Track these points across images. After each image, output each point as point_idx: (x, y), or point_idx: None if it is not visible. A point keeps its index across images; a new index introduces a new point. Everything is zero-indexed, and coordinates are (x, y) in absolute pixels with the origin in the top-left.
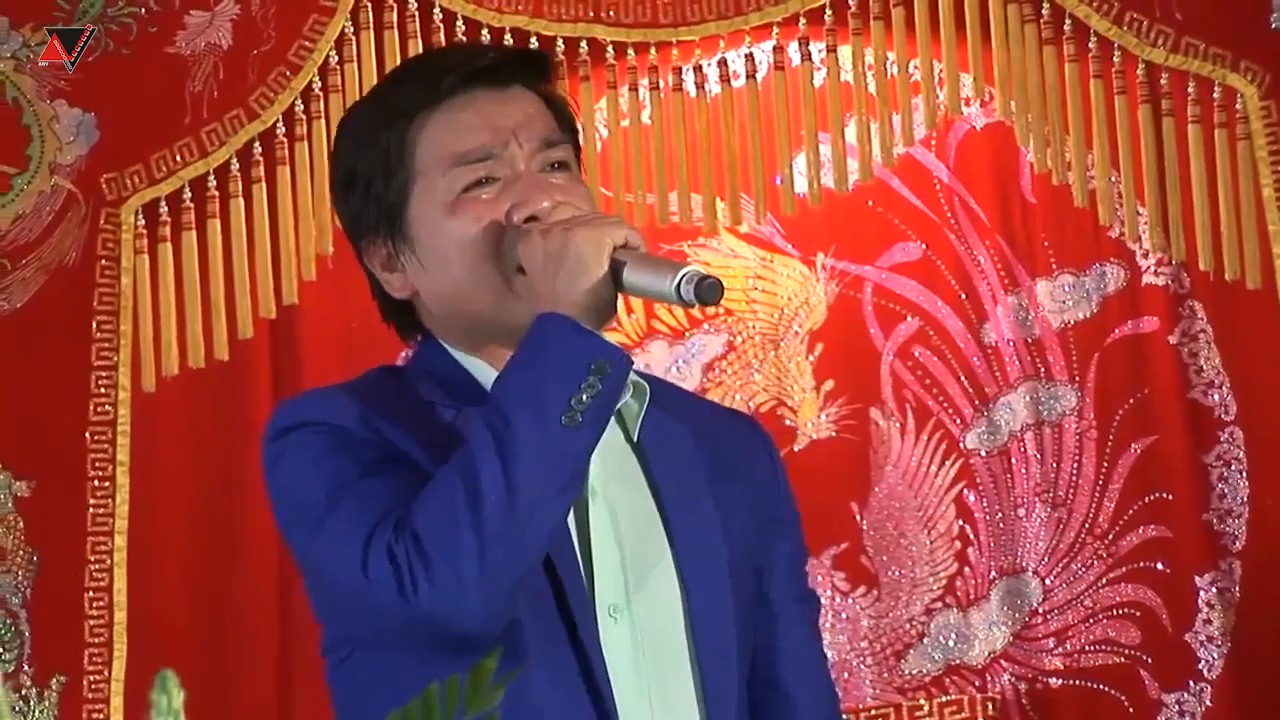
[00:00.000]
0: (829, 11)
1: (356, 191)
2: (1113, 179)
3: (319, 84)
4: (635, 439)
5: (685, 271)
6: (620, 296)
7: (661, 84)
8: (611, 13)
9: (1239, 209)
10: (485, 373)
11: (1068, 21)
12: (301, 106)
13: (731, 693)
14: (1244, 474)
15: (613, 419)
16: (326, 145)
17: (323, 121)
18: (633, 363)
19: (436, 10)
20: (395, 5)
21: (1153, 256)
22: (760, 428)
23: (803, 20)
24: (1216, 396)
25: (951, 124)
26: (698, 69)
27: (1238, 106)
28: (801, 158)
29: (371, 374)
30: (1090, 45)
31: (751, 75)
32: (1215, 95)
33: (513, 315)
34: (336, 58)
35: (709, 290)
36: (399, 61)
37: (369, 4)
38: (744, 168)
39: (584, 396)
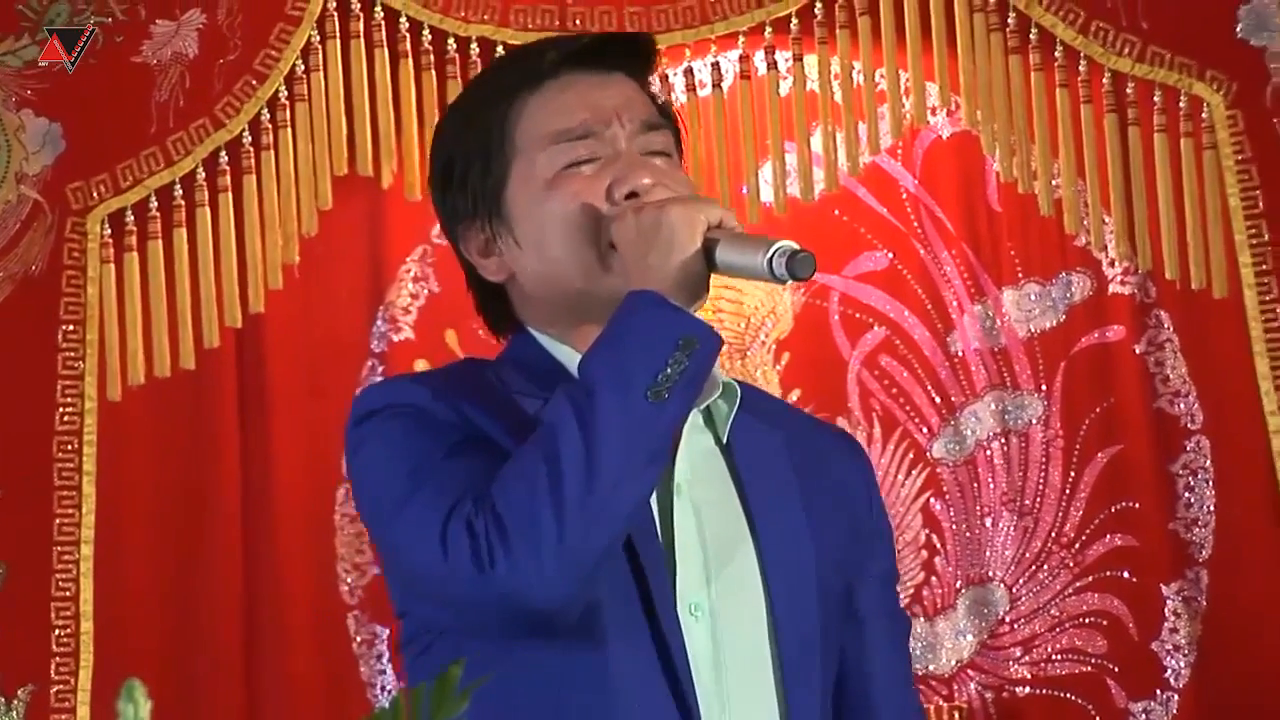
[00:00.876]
0: (795, 20)
1: (454, 179)
2: (1079, 188)
3: (285, 93)
4: (725, 441)
5: (778, 246)
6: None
7: None
8: (577, 21)
9: (1205, 218)
10: (575, 361)
11: (1034, 30)
12: (268, 116)
13: (813, 704)
14: (1210, 483)
15: (702, 421)
16: (293, 154)
17: (289, 131)
18: (723, 341)
19: (403, 20)
20: (361, 15)
21: (1119, 265)
22: (856, 443)
23: (769, 29)
24: (1183, 405)
25: (917, 133)
26: (664, 78)
27: (1204, 115)
28: (768, 167)
29: (457, 363)
30: (1056, 54)
31: (717, 84)
32: (1181, 104)
33: (607, 293)
34: (303, 67)
35: (801, 264)
36: (365, 71)
37: (335, 13)
38: (710, 177)
39: (670, 371)
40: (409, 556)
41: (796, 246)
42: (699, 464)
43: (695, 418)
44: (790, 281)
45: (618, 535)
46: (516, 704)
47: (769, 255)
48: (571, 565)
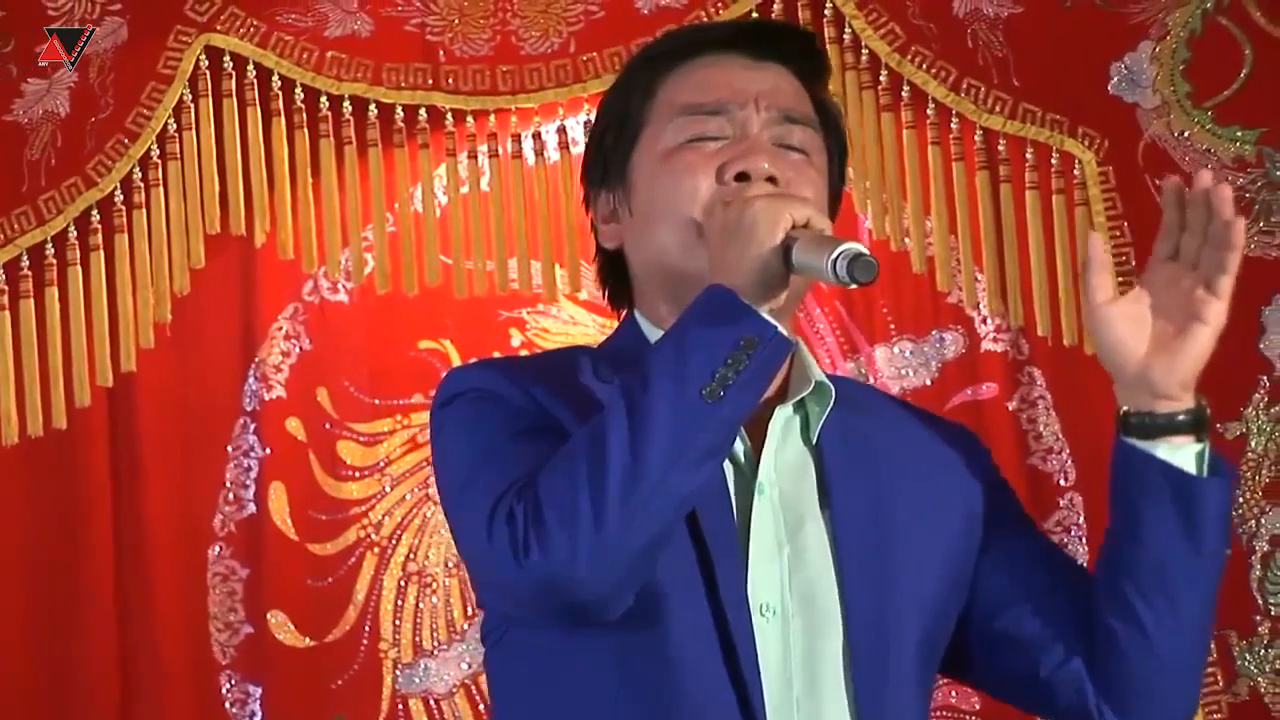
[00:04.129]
0: None
1: (595, 141)
2: (951, 245)
3: (157, 152)
4: (815, 441)
5: (842, 249)
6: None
7: (500, 151)
8: (450, 80)
9: (1077, 275)
10: None
11: (906, 88)
12: (140, 174)
13: (886, 715)
14: (1084, 539)
15: (798, 419)
16: (165, 213)
17: (161, 189)
18: (792, 345)
19: (275, 78)
20: (234, 73)
21: (991, 322)
22: (968, 432)
23: None
24: (1055, 462)
25: None
26: (536, 136)
27: (1075, 172)
28: None
29: (561, 350)
30: (928, 112)
31: None
32: (1053, 161)
33: (700, 281)
34: (175, 126)
35: (862, 268)
36: (237, 129)
37: (207, 72)
38: (583, 234)
39: (729, 370)
40: (464, 541)
41: (860, 249)
42: (785, 464)
43: (788, 415)
44: (852, 285)
45: (661, 532)
46: (579, 695)
47: (834, 256)
48: (609, 559)
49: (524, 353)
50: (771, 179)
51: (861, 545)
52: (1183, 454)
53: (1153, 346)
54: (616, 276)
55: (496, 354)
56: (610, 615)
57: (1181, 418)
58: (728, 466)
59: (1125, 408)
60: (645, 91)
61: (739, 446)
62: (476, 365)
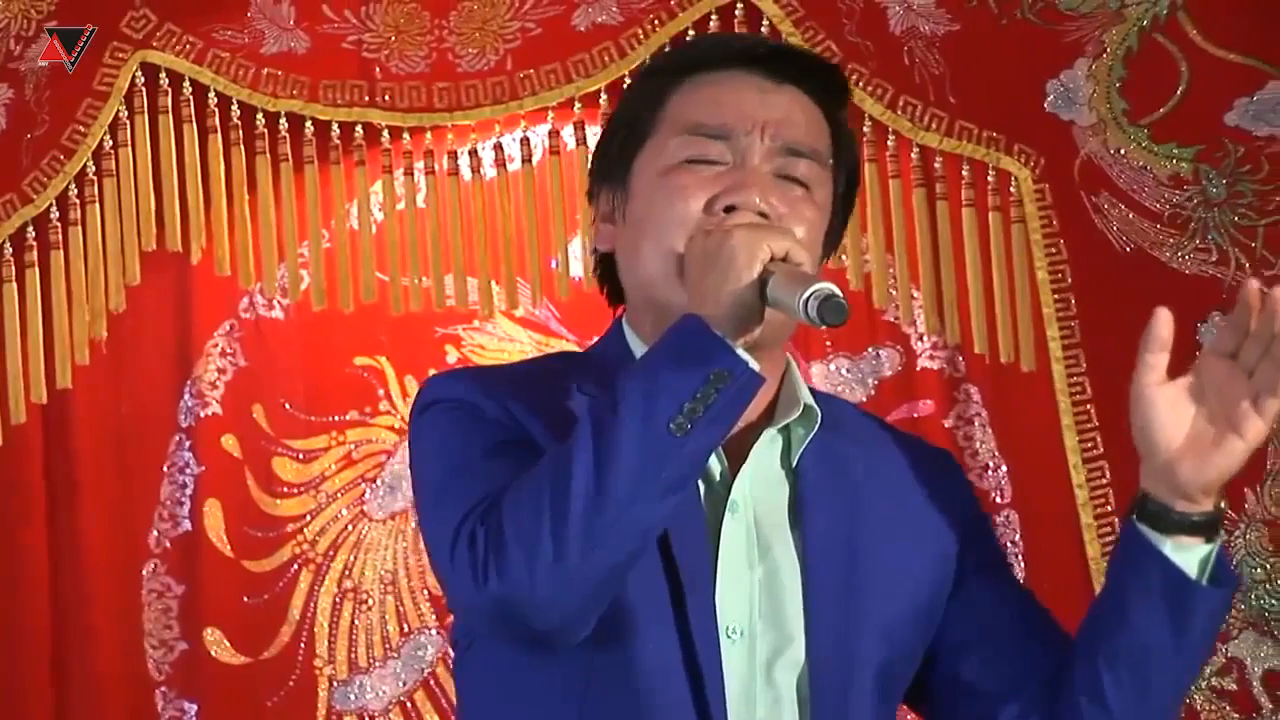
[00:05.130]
0: (604, 96)
1: (603, 143)
2: (888, 263)
3: (93, 169)
4: (794, 465)
5: (814, 289)
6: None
7: (437, 167)
8: (387, 96)
9: (1013, 292)
10: None
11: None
12: (76, 191)
13: None
14: (1020, 557)
15: (780, 440)
16: (101, 230)
17: (97, 207)
18: (762, 380)
19: (212, 95)
20: (169, 90)
21: (928, 340)
22: (950, 458)
23: (578, 104)
24: (991, 480)
25: None
26: (473, 153)
27: (1012, 189)
28: (577, 241)
29: (543, 357)
30: (865, 129)
31: (527, 159)
32: (989, 178)
33: (680, 306)
34: (111, 142)
35: (831, 311)
36: (173, 146)
37: (143, 89)
38: (519, 251)
39: (698, 404)
40: (431, 556)
41: (831, 291)
42: (762, 486)
43: (771, 437)
44: (822, 326)
45: (623, 561)
46: (544, 708)
47: (805, 296)
48: (567, 588)
49: (460, 368)
50: (762, 215)
51: (830, 571)
52: (1188, 555)
53: (1186, 443)
54: (612, 277)
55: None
56: (570, 642)
57: (1196, 519)
58: (701, 485)
59: (1145, 490)
60: (657, 98)
61: (715, 466)
62: (456, 374)
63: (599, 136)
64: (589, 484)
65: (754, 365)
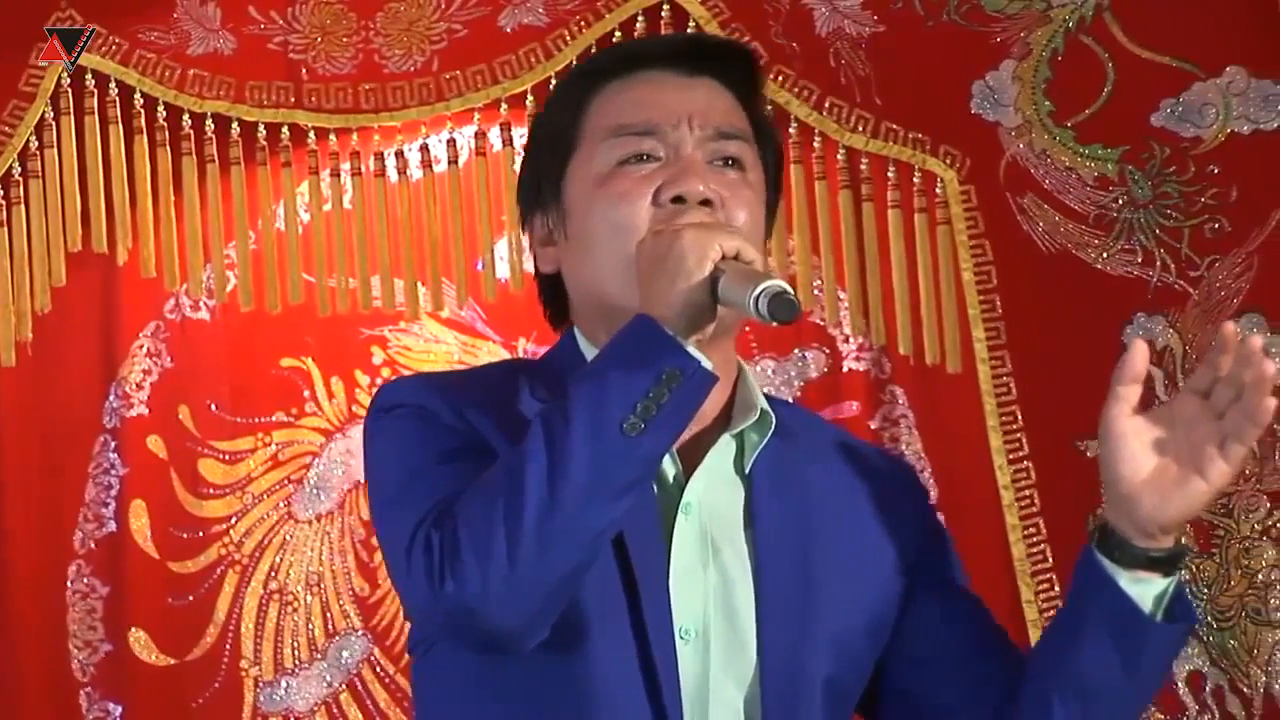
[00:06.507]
0: (530, 97)
1: (528, 165)
2: (814, 264)
3: (19, 169)
4: (748, 471)
5: (765, 286)
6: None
7: (363, 169)
8: (313, 98)
9: (939, 293)
10: None
11: (768, 108)
12: (1, 192)
13: None
14: None
15: (733, 445)
16: (27, 230)
17: (22, 207)
18: (715, 379)
19: (138, 96)
20: (96, 91)
21: (853, 341)
22: (906, 466)
23: (504, 105)
24: None
25: None
26: (399, 154)
27: (938, 191)
28: (503, 242)
29: (497, 364)
30: (791, 130)
31: (453, 160)
32: (915, 180)
33: (635, 308)
34: (37, 143)
35: (782, 307)
36: (99, 147)
37: (69, 90)
38: (445, 253)
39: (651, 403)
40: (387, 561)
41: (782, 288)
42: (716, 490)
43: (725, 441)
44: (773, 323)
45: (578, 564)
46: (502, 712)
47: (756, 294)
48: (522, 592)
49: (386, 371)
50: (706, 201)
51: (782, 579)
52: (1144, 589)
53: (1150, 479)
54: (556, 298)
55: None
56: (527, 645)
57: (1154, 554)
58: (655, 487)
59: (1107, 521)
60: (577, 109)
61: (669, 468)
62: (411, 380)
63: (521, 160)
64: (542, 487)
65: (706, 364)
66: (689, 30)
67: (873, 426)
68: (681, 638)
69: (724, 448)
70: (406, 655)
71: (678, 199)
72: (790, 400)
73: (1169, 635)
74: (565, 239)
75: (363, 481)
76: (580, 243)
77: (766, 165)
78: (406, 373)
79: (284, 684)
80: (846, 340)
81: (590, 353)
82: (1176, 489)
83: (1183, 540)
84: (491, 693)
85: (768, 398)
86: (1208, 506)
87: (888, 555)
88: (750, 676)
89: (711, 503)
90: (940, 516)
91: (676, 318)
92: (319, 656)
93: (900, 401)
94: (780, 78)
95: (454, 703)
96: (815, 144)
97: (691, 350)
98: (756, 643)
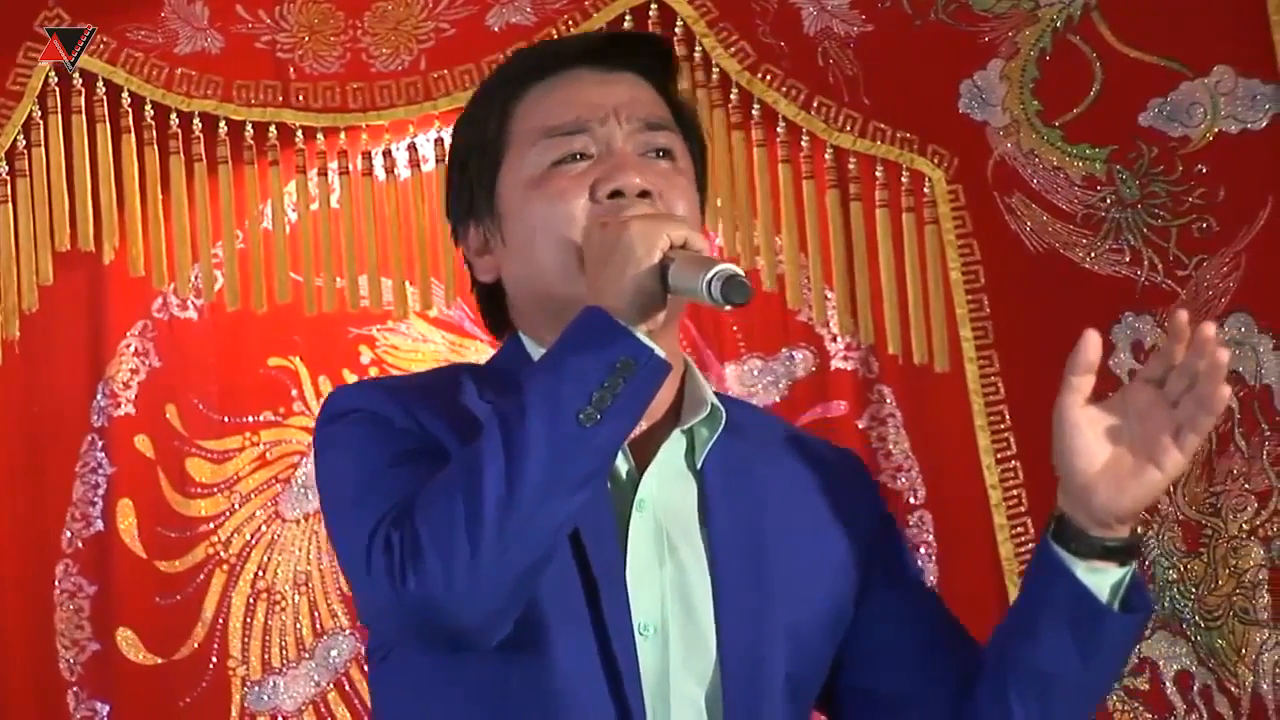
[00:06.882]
0: None
1: (455, 173)
2: (801, 263)
3: (6, 168)
4: (699, 466)
5: (717, 270)
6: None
7: (351, 168)
8: (300, 97)
9: (927, 292)
10: None
11: (756, 106)
12: None
13: None
14: (933, 557)
15: (683, 441)
16: (14, 229)
17: (9, 206)
18: (668, 366)
19: (125, 95)
20: (83, 90)
21: (841, 340)
22: (856, 459)
23: None
24: (905, 480)
25: None
26: (387, 153)
27: (925, 190)
28: None
29: (441, 368)
30: (779, 130)
31: (441, 159)
32: (903, 179)
33: (583, 303)
34: (24, 142)
35: (736, 290)
36: (87, 146)
37: (57, 89)
38: (433, 252)
39: (606, 393)
40: (345, 566)
41: (734, 271)
42: (668, 484)
43: (676, 437)
44: (726, 307)
45: (539, 559)
46: (463, 716)
47: (709, 278)
48: (485, 588)
49: (374, 370)
50: (645, 193)
51: (737, 572)
52: (1100, 578)
53: (1105, 470)
54: (495, 307)
55: (370, 374)
56: (490, 642)
57: (1110, 544)
58: (608, 484)
59: (1062, 511)
60: (502, 115)
61: (622, 465)
62: (361, 385)
63: (446, 175)
64: (501, 481)
65: (660, 352)
66: (676, 30)
67: (860, 426)
68: (641, 634)
69: (675, 443)
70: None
71: (616, 193)
72: (777, 400)
73: (1126, 624)
74: (503, 245)
75: None
76: (520, 246)
77: (694, 155)
78: (396, 372)
79: (271, 683)
80: (834, 339)
81: (538, 354)
82: (1131, 479)
83: (1138, 530)
84: (453, 695)
85: (715, 393)
86: (1161, 495)
87: (841, 549)
88: (710, 672)
89: (665, 499)
90: (930, 516)
91: (628, 307)
92: (306, 656)
93: (888, 401)
94: (768, 77)
95: (415, 706)
96: (803, 143)
97: (645, 339)
98: (716, 638)
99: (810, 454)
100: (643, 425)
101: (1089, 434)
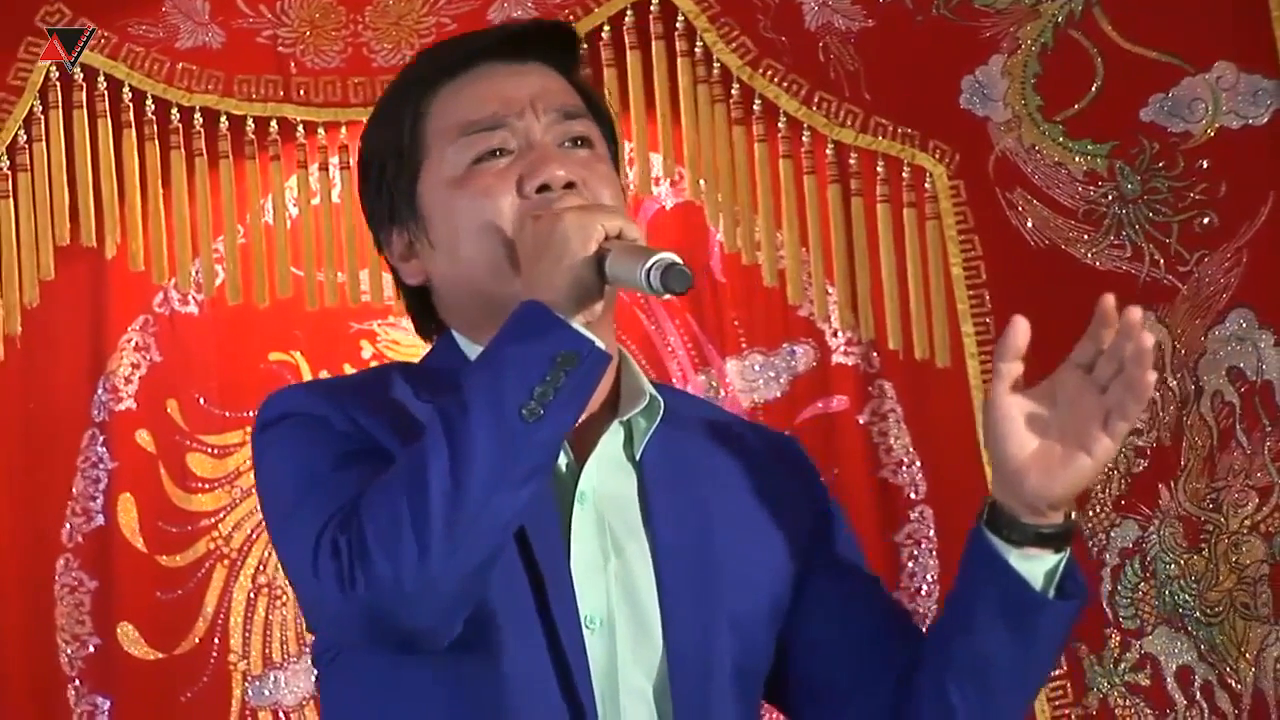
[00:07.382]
0: None
1: (372, 179)
2: (802, 258)
3: (7, 163)
4: (638, 457)
5: (656, 259)
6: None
7: (352, 162)
8: (302, 91)
9: (928, 288)
10: None
11: (757, 101)
12: None
13: None
14: (934, 553)
15: (621, 432)
16: (15, 224)
17: (11, 200)
18: (609, 357)
19: (126, 89)
20: (84, 85)
21: (842, 336)
22: (795, 444)
23: None
24: (906, 475)
25: (641, 203)
26: None
27: (926, 185)
28: None
29: (374, 369)
30: (780, 125)
31: None
32: (904, 175)
33: (516, 298)
34: (25, 137)
35: (676, 278)
36: (88, 141)
37: (58, 83)
38: None
39: (548, 387)
40: (290, 573)
41: (673, 259)
42: (608, 475)
43: (614, 429)
44: (666, 295)
45: (488, 556)
46: (414, 714)
47: (648, 267)
48: (435, 588)
49: (375, 364)
50: (570, 185)
51: (681, 565)
52: (1033, 565)
53: (1035, 456)
54: (424, 309)
55: (324, 373)
56: (442, 642)
57: (1044, 530)
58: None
59: (995, 499)
60: (415, 116)
61: (562, 459)
62: (295, 388)
63: (360, 181)
64: (446, 480)
65: (600, 343)
66: (677, 25)
67: (861, 421)
68: (588, 627)
69: (613, 435)
70: None
71: (544, 187)
72: (778, 395)
73: (1061, 612)
74: (430, 247)
75: None
76: (448, 246)
77: (608, 139)
78: None
79: (272, 678)
80: (835, 335)
81: (473, 351)
82: (1062, 465)
83: (1072, 515)
84: (403, 695)
85: (653, 383)
86: (1095, 480)
87: (782, 536)
88: (658, 663)
89: (606, 491)
90: (930, 511)
91: (565, 300)
92: (307, 650)
93: (889, 396)
94: (769, 72)
95: (365, 708)
96: (804, 138)
97: (585, 331)
98: (662, 629)
99: (750, 442)
100: (581, 416)
101: (1019, 420)
